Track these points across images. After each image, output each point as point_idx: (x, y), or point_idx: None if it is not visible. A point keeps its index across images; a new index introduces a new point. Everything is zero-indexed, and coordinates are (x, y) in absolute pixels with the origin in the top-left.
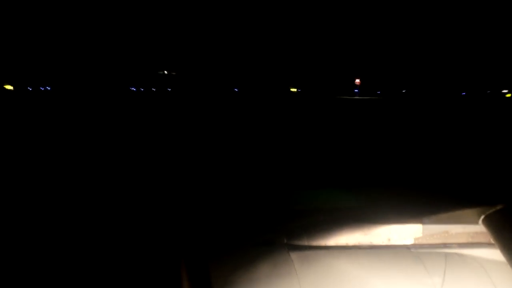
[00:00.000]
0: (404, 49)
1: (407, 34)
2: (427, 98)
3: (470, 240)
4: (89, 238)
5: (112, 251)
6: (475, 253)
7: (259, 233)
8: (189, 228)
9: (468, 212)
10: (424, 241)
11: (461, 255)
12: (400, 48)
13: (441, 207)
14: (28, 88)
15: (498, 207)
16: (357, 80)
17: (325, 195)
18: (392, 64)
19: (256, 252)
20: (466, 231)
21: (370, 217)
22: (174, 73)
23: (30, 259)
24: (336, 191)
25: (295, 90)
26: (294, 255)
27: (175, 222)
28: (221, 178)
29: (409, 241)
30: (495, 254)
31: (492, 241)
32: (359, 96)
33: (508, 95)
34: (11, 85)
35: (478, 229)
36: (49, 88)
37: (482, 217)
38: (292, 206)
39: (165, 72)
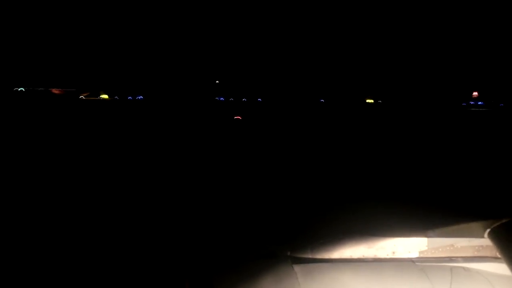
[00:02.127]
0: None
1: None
2: (432, 109)
3: (476, 253)
4: (94, 252)
5: (116, 264)
6: (481, 267)
7: (262, 245)
8: (194, 241)
9: (474, 225)
10: (429, 255)
11: (466, 269)
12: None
13: (446, 220)
14: (120, 97)
15: (504, 220)
16: (475, 93)
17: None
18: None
19: (259, 265)
20: (472, 244)
21: (375, 230)
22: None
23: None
24: (343, 204)
25: (371, 101)
26: (297, 268)
27: (179, 233)
28: (227, 189)
29: (414, 254)
30: (502, 268)
31: (498, 255)
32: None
33: None
34: (107, 94)
35: (484, 242)
36: (141, 98)
37: (488, 230)
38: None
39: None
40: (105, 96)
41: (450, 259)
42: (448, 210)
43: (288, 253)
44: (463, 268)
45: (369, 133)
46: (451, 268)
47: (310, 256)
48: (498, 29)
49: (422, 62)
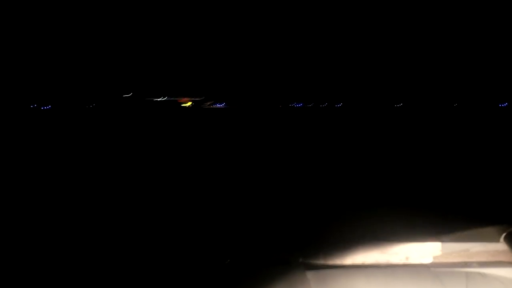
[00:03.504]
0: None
1: None
2: (445, 111)
3: (491, 258)
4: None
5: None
6: (498, 273)
7: (275, 252)
8: (205, 247)
9: (489, 230)
10: (444, 260)
11: (483, 275)
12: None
13: (461, 224)
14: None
15: None
16: None
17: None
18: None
19: (272, 271)
20: (487, 249)
21: (388, 235)
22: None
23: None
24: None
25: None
26: (310, 274)
27: (190, 240)
28: (240, 195)
29: (428, 260)
30: None
31: None
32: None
33: None
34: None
35: (500, 247)
36: (222, 105)
37: (504, 234)
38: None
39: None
40: (187, 104)
41: (465, 264)
42: (462, 214)
43: (301, 260)
44: (479, 273)
45: (382, 137)
46: (467, 273)
47: (322, 262)
48: None
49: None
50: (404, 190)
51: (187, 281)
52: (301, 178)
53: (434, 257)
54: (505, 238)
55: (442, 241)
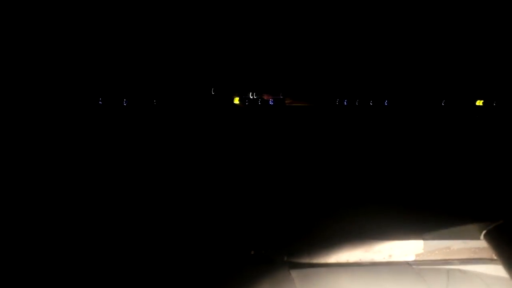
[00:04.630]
0: None
1: None
2: (425, 111)
3: (472, 255)
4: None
5: (115, 265)
6: (478, 269)
7: (259, 250)
8: (190, 247)
9: (470, 228)
10: (426, 257)
11: (463, 271)
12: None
13: (442, 222)
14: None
15: (500, 222)
16: None
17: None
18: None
19: (256, 270)
20: (468, 246)
21: (371, 234)
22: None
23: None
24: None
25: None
26: (294, 273)
27: (177, 238)
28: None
29: (411, 258)
30: (498, 270)
31: (494, 256)
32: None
33: None
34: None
35: (480, 244)
36: (274, 102)
37: (484, 232)
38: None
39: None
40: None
41: (447, 261)
42: (444, 213)
43: (285, 258)
44: (460, 270)
45: (363, 136)
46: (448, 270)
47: (307, 260)
48: None
49: None
50: (386, 189)
51: (174, 279)
52: (285, 177)
53: (416, 255)
54: (485, 236)
55: (424, 239)
